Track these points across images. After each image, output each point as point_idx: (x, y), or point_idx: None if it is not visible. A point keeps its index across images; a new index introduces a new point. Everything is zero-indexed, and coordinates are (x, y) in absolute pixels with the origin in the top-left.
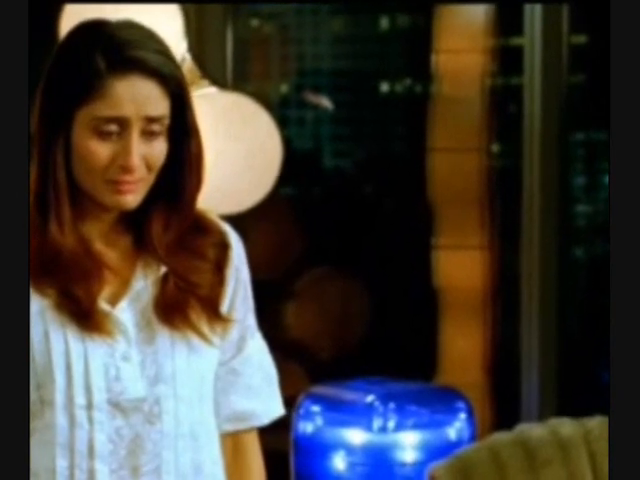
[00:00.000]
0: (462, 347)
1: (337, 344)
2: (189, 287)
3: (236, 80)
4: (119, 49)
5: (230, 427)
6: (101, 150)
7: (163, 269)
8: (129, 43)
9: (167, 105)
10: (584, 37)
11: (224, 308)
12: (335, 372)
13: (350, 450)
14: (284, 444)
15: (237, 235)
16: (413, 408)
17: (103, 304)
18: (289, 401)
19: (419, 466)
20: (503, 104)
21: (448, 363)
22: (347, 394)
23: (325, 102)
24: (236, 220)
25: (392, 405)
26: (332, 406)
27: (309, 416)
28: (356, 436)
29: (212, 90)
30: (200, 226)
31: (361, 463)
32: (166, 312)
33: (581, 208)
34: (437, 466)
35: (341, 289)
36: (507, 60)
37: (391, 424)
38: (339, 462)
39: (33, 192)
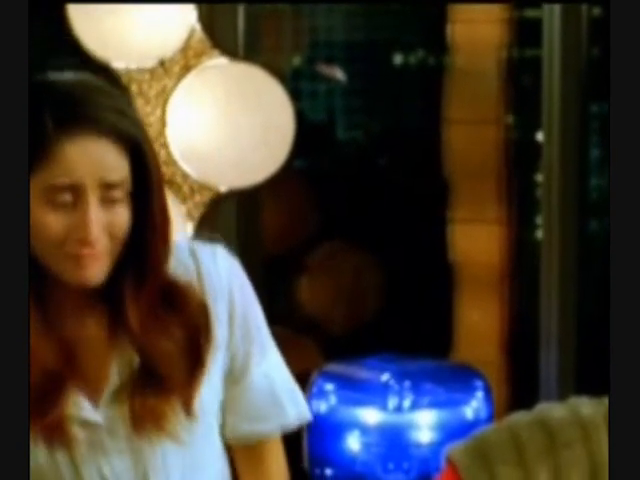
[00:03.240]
0: (478, 323)
1: (351, 320)
2: (162, 384)
3: (247, 52)
4: (68, 106)
5: (238, 443)
6: (56, 222)
7: (137, 360)
8: (79, 100)
9: (126, 167)
10: (603, 9)
11: (221, 360)
12: (349, 348)
13: (365, 430)
14: None
15: (233, 269)
16: (429, 386)
17: (77, 410)
18: (302, 379)
19: (435, 447)
20: (520, 76)
21: (464, 340)
22: (362, 372)
23: (338, 74)
24: (249, 194)
25: (408, 383)
26: (346, 384)
27: (323, 395)
28: (371, 415)
29: (223, 61)
30: (174, 302)
31: (376, 443)
32: (139, 423)
33: (599, 181)
34: (454, 447)
35: (354, 264)
36: (524, 32)
37: (407, 403)
38: (353, 442)
39: None
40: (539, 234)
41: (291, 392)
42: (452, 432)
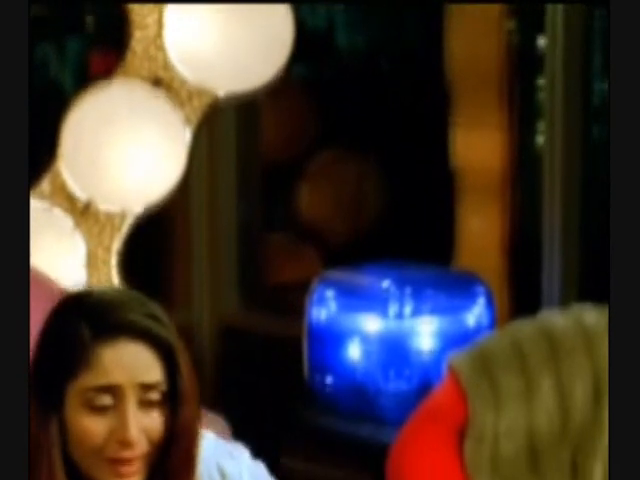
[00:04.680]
0: (480, 230)
1: (351, 227)
2: None
3: None
4: (103, 314)
5: None
6: (95, 425)
7: None
8: (113, 307)
9: (160, 370)
10: None
11: None
12: (349, 256)
13: (365, 337)
14: (297, 330)
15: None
16: (430, 293)
17: None
18: (302, 286)
19: (436, 354)
20: None
21: (465, 247)
22: (362, 279)
23: None
24: (249, 102)
25: (408, 290)
26: (346, 292)
27: (323, 302)
28: (371, 323)
29: None
30: None
31: (376, 351)
32: None
33: (602, 86)
34: (456, 356)
35: (355, 171)
36: None
37: (407, 310)
38: (354, 350)
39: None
40: (542, 140)
41: None
42: (453, 339)
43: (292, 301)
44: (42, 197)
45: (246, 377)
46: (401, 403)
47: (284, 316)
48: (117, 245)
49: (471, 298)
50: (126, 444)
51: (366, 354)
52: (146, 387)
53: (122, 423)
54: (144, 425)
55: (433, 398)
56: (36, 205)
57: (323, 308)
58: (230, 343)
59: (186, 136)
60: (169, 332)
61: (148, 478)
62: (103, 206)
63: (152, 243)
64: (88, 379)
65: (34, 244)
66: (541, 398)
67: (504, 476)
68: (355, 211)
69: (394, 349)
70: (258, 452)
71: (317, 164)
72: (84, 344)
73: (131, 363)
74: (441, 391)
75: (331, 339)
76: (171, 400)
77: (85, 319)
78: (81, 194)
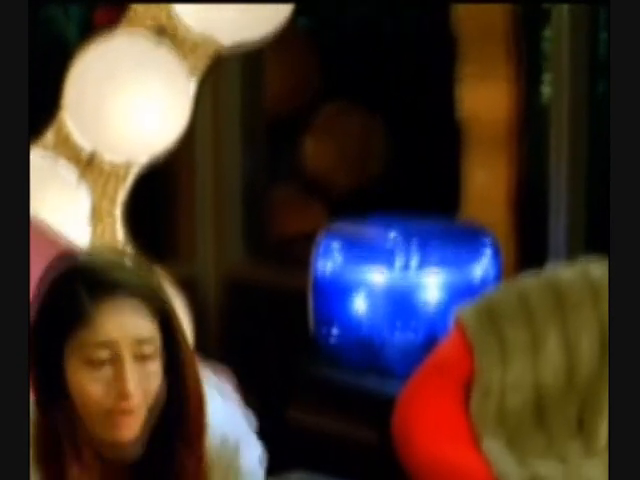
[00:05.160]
0: (486, 182)
1: (356, 179)
2: None
3: None
4: (99, 274)
5: None
6: (94, 380)
7: None
8: (109, 267)
9: (154, 325)
10: None
11: None
12: (354, 208)
13: (371, 290)
14: (302, 283)
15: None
16: (436, 245)
17: None
18: (308, 238)
19: (443, 307)
20: None
21: (472, 199)
22: (368, 231)
23: None
24: (253, 54)
25: (415, 242)
26: (352, 244)
27: (328, 254)
28: (377, 275)
29: None
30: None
31: (382, 303)
32: None
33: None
34: (462, 309)
35: (360, 123)
36: None
37: (414, 263)
38: (359, 302)
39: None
40: (548, 92)
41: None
42: (460, 292)
43: (297, 253)
44: (46, 148)
45: (251, 330)
46: (407, 355)
47: (289, 268)
48: (122, 196)
49: (477, 251)
50: (124, 396)
51: (372, 306)
52: (141, 342)
53: (119, 376)
54: (140, 377)
55: (439, 351)
56: (40, 157)
57: (329, 260)
58: (235, 296)
59: (190, 87)
60: (162, 290)
61: (147, 437)
62: (108, 157)
63: (157, 195)
64: (86, 336)
65: (39, 196)
66: (547, 352)
67: (510, 430)
68: (360, 163)
69: (400, 301)
70: (264, 405)
71: (322, 116)
72: (81, 303)
73: (127, 320)
74: (447, 344)
75: (337, 291)
76: (167, 353)
77: (81, 279)
78: (86, 145)
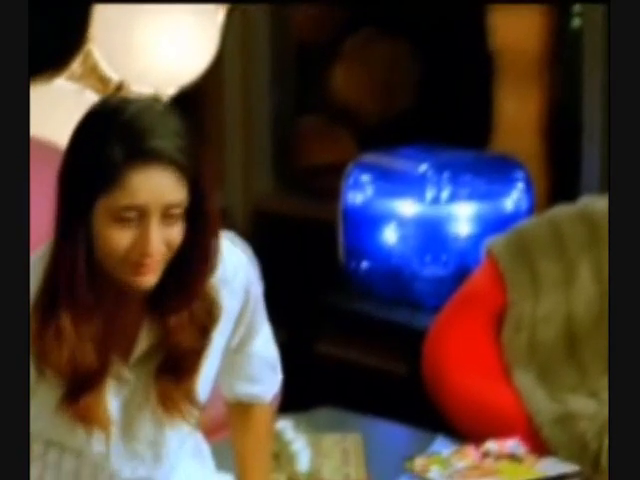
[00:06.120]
0: (519, 113)
1: (386, 110)
2: (179, 366)
3: None
4: (136, 139)
5: (233, 401)
6: (121, 236)
7: (159, 333)
8: (146, 132)
9: (185, 191)
10: None
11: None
12: (384, 138)
13: (401, 222)
14: (331, 214)
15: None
16: (468, 178)
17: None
18: (336, 169)
19: (474, 239)
20: None
21: (503, 130)
22: (398, 163)
23: None
24: None
25: (446, 174)
26: (382, 175)
27: (358, 186)
28: (408, 207)
29: None
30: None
31: (413, 236)
32: (163, 399)
33: None
34: (494, 241)
35: (390, 52)
36: None
37: (445, 195)
38: (390, 235)
39: (50, 270)
40: (581, 21)
41: (277, 359)
42: (491, 225)
43: (326, 184)
44: (73, 79)
45: (279, 262)
46: (437, 288)
47: (317, 199)
48: None
49: (510, 183)
50: (146, 254)
51: (402, 239)
52: (169, 206)
53: (145, 237)
54: (164, 237)
55: (470, 283)
56: (67, 87)
57: (359, 192)
58: (263, 227)
59: (219, 17)
60: (195, 156)
61: (164, 275)
62: (135, 88)
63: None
64: (117, 198)
65: (65, 126)
66: (580, 284)
67: (541, 363)
68: (389, 93)
69: (431, 234)
70: (291, 339)
71: (351, 45)
72: (116, 165)
73: (158, 187)
74: (478, 276)
75: (367, 223)
76: (192, 217)
77: (118, 140)
78: (113, 76)
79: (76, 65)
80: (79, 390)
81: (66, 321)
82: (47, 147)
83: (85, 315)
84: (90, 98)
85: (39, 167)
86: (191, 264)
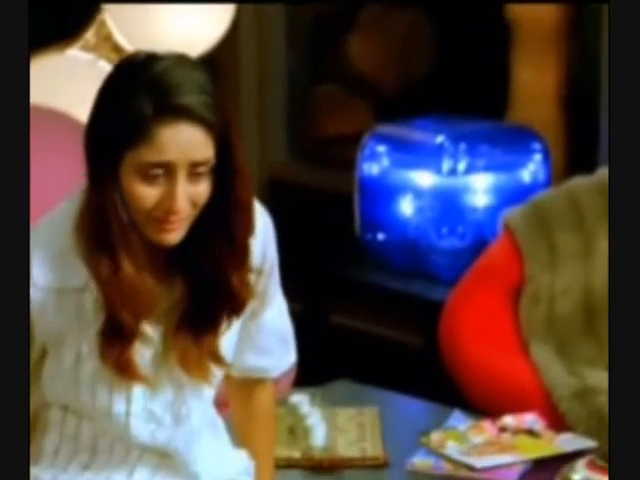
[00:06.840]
0: (536, 83)
1: (402, 79)
2: (203, 321)
3: None
4: (166, 95)
5: (240, 376)
6: (147, 193)
7: (182, 290)
8: (175, 88)
9: (212, 149)
10: None
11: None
12: (400, 108)
13: (418, 193)
14: (346, 185)
15: (265, 219)
16: (485, 149)
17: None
18: (353, 139)
19: (491, 211)
20: None
21: (521, 100)
22: (415, 134)
23: None
24: None
25: (463, 146)
26: (399, 146)
27: (375, 157)
28: (424, 178)
29: None
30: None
31: (429, 207)
32: (184, 359)
33: None
34: (511, 212)
35: (406, 21)
36: None
37: (461, 166)
38: (406, 206)
39: (89, 224)
40: None
41: (290, 335)
42: (508, 196)
43: (342, 154)
44: (87, 49)
45: (294, 232)
46: (454, 260)
47: (333, 169)
48: None
49: (527, 154)
50: (173, 211)
51: (419, 210)
52: (196, 164)
53: (171, 194)
54: (190, 194)
55: (487, 256)
56: (81, 57)
57: (375, 163)
58: (277, 197)
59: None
60: (223, 112)
61: (196, 237)
62: None
63: None
64: (144, 153)
65: (79, 97)
66: (598, 257)
67: (559, 336)
68: (406, 63)
69: (447, 205)
70: (307, 311)
71: (367, 15)
72: (145, 120)
73: (186, 144)
74: (495, 249)
75: (383, 195)
76: (221, 175)
77: (147, 95)
78: (127, 46)
79: (90, 35)
80: (121, 338)
81: (122, 255)
82: (61, 117)
83: (135, 252)
84: (104, 68)
85: (52, 136)
86: (228, 218)
